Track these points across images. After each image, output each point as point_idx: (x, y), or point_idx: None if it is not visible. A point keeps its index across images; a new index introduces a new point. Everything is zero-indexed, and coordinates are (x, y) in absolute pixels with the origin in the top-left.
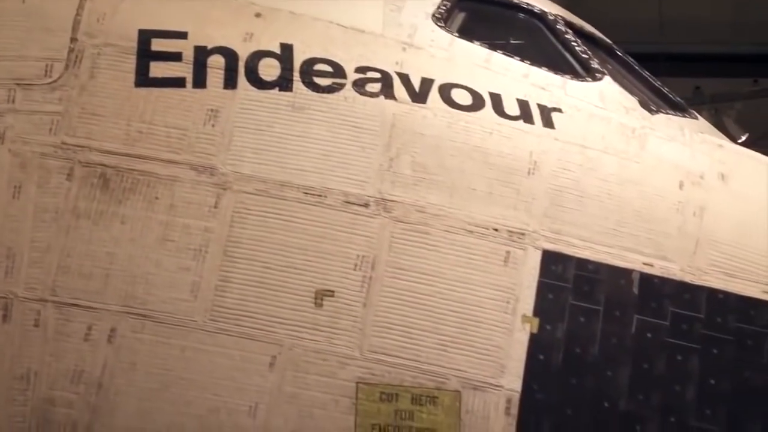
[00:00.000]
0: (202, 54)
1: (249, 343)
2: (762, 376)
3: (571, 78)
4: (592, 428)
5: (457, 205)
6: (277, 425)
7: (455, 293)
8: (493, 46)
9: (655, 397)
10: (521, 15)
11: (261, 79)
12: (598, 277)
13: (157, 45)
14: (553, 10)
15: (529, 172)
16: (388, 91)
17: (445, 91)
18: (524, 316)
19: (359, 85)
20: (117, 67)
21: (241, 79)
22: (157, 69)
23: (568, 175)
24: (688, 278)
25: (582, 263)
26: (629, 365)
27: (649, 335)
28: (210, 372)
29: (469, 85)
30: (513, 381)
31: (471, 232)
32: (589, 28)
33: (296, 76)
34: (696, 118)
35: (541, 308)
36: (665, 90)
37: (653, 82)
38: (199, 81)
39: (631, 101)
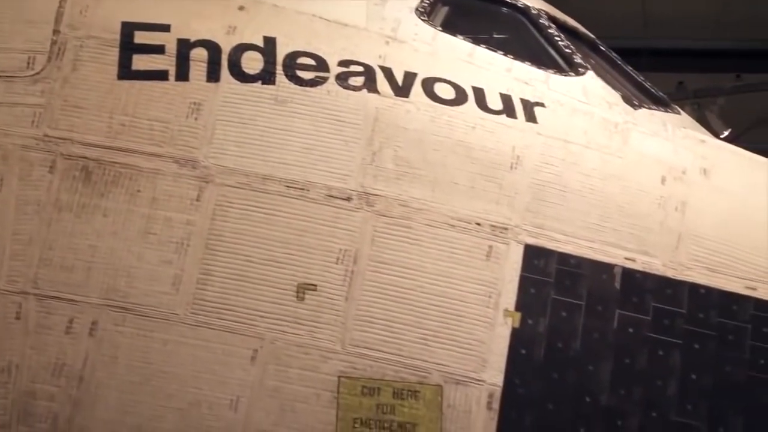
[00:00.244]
0: (185, 47)
1: (231, 337)
2: (743, 372)
3: (554, 73)
4: (573, 423)
5: (439, 199)
6: (259, 419)
7: (437, 287)
8: (476, 41)
9: (637, 391)
10: (505, 9)
11: (244, 72)
12: (580, 272)
13: (140, 37)
14: (537, 4)
15: (511, 167)
16: (371, 84)
17: (428, 85)
18: (506, 311)
19: (342, 79)
20: (100, 59)
21: (224, 72)
22: (140, 61)
23: (550, 170)
24: (670, 273)
25: (564, 258)
26: (611, 360)
27: (630, 330)
28: (191, 365)
29: (453, 80)
30: (495, 375)
31: (453, 226)
32: (572, 22)
33: (279, 69)
34: (679, 113)
35: (523, 303)
36: (648, 85)
37: (636, 77)
38: (182, 74)
39: (614, 96)
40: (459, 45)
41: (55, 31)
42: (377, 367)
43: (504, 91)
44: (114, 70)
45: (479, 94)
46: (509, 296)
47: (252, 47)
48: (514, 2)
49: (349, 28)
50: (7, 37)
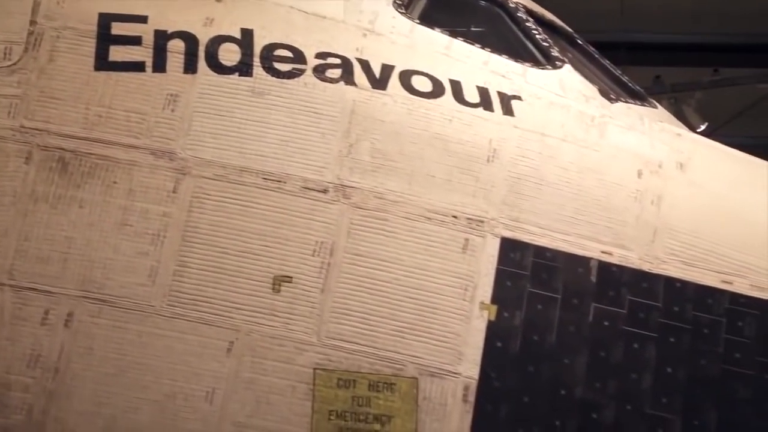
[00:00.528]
0: (162, 38)
1: (206, 329)
2: (718, 365)
3: (532, 66)
4: (549, 416)
5: (416, 192)
6: (234, 411)
7: (413, 280)
8: (453, 34)
9: (612, 384)
10: (482, 2)
11: (221, 64)
12: (556, 265)
13: (117, 29)
14: None
15: (488, 160)
16: (348, 77)
17: (406, 77)
18: (482, 304)
19: (319, 71)
20: (76, 50)
21: (201, 63)
22: (117, 53)
23: (527, 163)
24: (645, 267)
25: (540, 251)
26: (586, 353)
27: (606, 323)
28: (167, 357)
29: (430, 72)
30: (470, 368)
31: (430, 219)
32: (550, 16)
33: (256, 61)
34: (655, 107)
35: (499, 296)
36: (625, 79)
37: (613, 70)
38: (159, 65)
39: (591, 90)
40: (436, 38)
41: (32, 22)
42: (353, 359)
43: (481, 84)
44: (91, 61)
45: (456, 87)
46: (485, 289)
47: (229, 39)
48: None
49: (326, 21)
50: None
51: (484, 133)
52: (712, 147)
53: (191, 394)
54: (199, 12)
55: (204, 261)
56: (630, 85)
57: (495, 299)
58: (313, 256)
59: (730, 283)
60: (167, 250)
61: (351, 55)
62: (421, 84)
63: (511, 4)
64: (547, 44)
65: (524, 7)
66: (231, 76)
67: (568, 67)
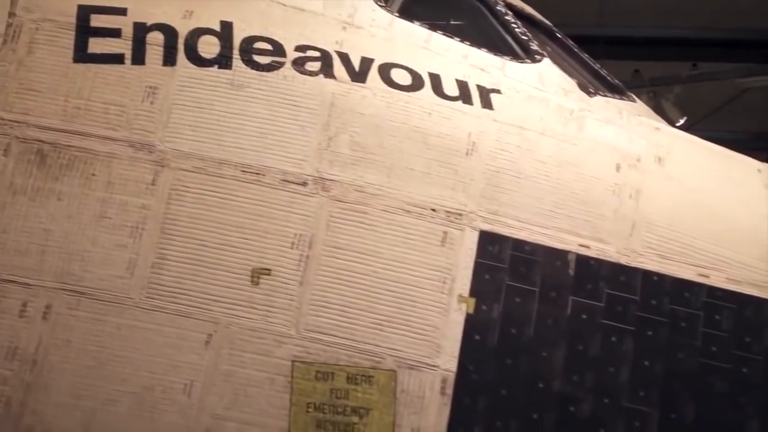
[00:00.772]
0: (141, 30)
1: (185, 321)
2: (695, 358)
3: (511, 59)
4: (526, 408)
5: (395, 184)
6: (212, 403)
7: (392, 273)
8: (433, 27)
9: (590, 378)
10: None
11: (200, 56)
12: (534, 258)
13: (96, 21)
14: None
15: (467, 153)
16: (327, 70)
17: (385, 70)
18: (461, 296)
19: (299, 64)
20: (55, 42)
21: (181, 56)
22: (96, 45)
23: (506, 157)
24: (623, 260)
25: (519, 244)
26: (564, 346)
27: (584, 316)
28: (145, 349)
29: (409, 65)
30: (448, 361)
31: (409, 212)
32: (529, 10)
33: (236, 54)
34: (634, 101)
35: (477, 289)
36: (604, 72)
37: (592, 64)
38: (138, 58)
39: (570, 83)
40: (416, 31)
41: (11, 14)
42: (331, 351)
43: (460, 78)
44: (70, 53)
45: (436, 81)
46: (464, 282)
47: (209, 31)
48: None
49: (306, 14)
50: None
51: (464, 127)
52: (690, 141)
53: (169, 387)
54: (178, 4)
55: (183, 253)
56: (609, 79)
57: (473, 292)
58: (292, 248)
59: (707, 276)
60: (146, 242)
61: (330, 48)
62: (401, 77)
63: None
64: (527, 38)
65: (504, 0)
66: (210, 68)
67: (547, 60)
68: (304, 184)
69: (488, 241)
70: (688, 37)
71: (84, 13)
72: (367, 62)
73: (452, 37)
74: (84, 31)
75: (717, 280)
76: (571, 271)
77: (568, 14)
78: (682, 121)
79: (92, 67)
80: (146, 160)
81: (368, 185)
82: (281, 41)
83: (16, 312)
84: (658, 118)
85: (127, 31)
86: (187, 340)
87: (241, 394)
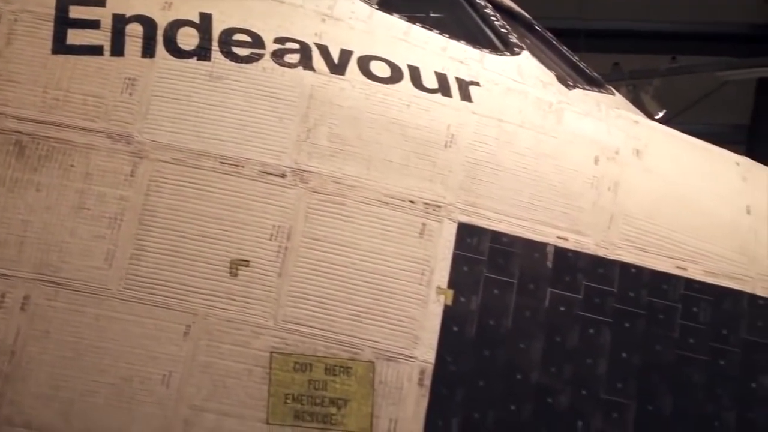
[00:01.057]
0: (120, 22)
1: (163, 312)
2: (673, 350)
3: (490, 52)
4: (504, 400)
5: (373, 176)
6: (190, 394)
7: (370, 264)
8: (412, 19)
9: (567, 369)
10: None
11: (179, 48)
12: (512, 251)
13: (75, 12)
14: None
15: (446, 145)
16: (306, 62)
17: (364, 63)
18: (439, 288)
19: (278, 56)
20: (34, 33)
21: (160, 47)
22: (75, 36)
23: (484, 149)
24: (601, 252)
25: (497, 236)
26: (542, 338)
27: (562, 309)
28: (124, 340)
29: (388, 58)
30: (426, 352)
31: (387, 203)
32: (508, 2)
33: (215, 45)
34: (613, 94)
35: (455, 280)
36: (583, 65)
37: (571, 57)
38: (117, 49)
39: (549, 76)
40: (395, 23)
41: None
42: (309, 343)
43: (439, 70)
44: (48, 44)
45: (415, 73)
46: (442, 274)
47: (188, 23)
48: None
49: (285, 6)
50: None
51: (442, 119)
52: (668, 134)
53: (148, 378)
54: None
55: (161, 245)
56: (588, 71)
57: (451, 284)
58: (270, 240)
59: (685, 269)
60: (124, 233)
61: (310, 40)
62: (380, 69)
63: None
64: (506, 30)
65: None
66: (189, 60)
67: (526, 53)
68: (283, 175)
69: (466, 233)
70: (668, 31)
71: (63, 4)
72: (346, 54)
73: (431, 30)
74: (63, 22)
75: (694, 273)
76: (549, 263)
77: (548, 7)
78: (661, 114)
79: (71, 58)
80: (125, 151)
81: (346, 177)
82: (260, 33)
83: None
84: (637, 110)
85: (106, 22)
86: (165, 331)
87: (220, 385)
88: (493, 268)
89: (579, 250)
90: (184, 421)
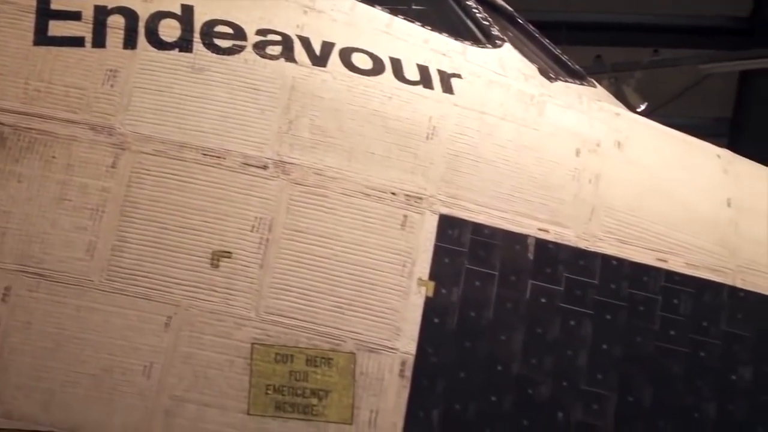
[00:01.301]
0: (101, 13)
1: (145, 303)
2: (653, 342)
3: (472, 44)
4: (485, 391)
5: (355, 168)
6: (172, 385)
7: (352, 256)
8: (394, 11)
9: (548, 361)
10: None
11: (161, 39)
12: (493, 242)
13: (57, 4)
14: None
15: (427, 137)
16: (288, 54)
17: (346, 55)
18: (420, 280)
19: (260, 48)
20: (16, 25)
21: (141, 39)
22: (57, 28)
23: (466, 141)
24: (582, 244)
25: (478, 228)
26: (523, 330)
27: (543, 300)
28: (105, 331)
29: (370, 50)
30: (408, 344)
31: (369, 195)
32: None
33: (197, 37)
34: (595, 86)
35: (437, 272)
36: (564, 58)
37: (553, 49)
38: (99, 41)
39: (531, 68)
40: (377, 15)
41: None
42: (291, 334)
43: (421, 62)
44: (30, 36)
45: (396, 65)
46: (423, 265)
47: (169, 15)
48: None
49: None
50: None
51: (424, 111)
52: (650, 127)
53: (129, 368)
54: None
55: (143, 236)
56: (569, 64)
57: (433, 276)
58: (252, 231)
59: (665, 261)
60: (106, 225)
61: (291, 32)
62: (362, 61)
63: None
64: (488, 23)
65: None
66: (171, 52)
67: (508, 46)
68: (265, 167)
69: (448, 225)
70: (650, 23)
71: None
72: (328, 46)
73: (413, 22)
74: (44, 13)
75: (675, 265)
76: (531, 255)
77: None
78: (642, 107)
79: (53, 49)
80: (106, 143)
81: (328, 168)
82: (242, 25)
83: None
84: (619, 103)
85: (88, 14)
86: (147, 322)
87: (201, 376)
88: (474, 259)
89: (560, 242)
90: (165, 411)
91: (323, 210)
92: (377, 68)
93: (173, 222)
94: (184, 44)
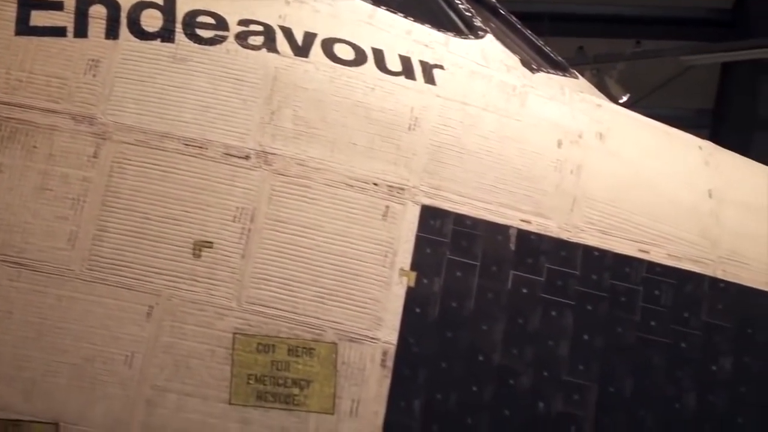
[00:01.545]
0: (83, 4)
1: (126, 293)
2: (634, 333)
3: (454, 35)
4: (466, 381)
5: (337, 159)
6: (153, 374)
7: (334, 246)
8: (377, 2)
9: (529, 351)
10: None
11: (143, 30)
12: (475, 233)
13: None
14: None
15: (409, 128)
16: (270, 44)
17: (328, 45)
18: (402, 270)
19: (242, 38)
20: None
21: (123, 29)
22: (38, 18)
23: (448, 132)
24: (564, 235)
25: (460, 219)
26: (504, 320)
27: (524, 291)
28: (86, 321)
29: (352, 41)
30: (389, 334)
31: (351, 186)
32: None
33: (179, 27)
34: (577, 78)
35: (418, 262)
36: (547, 49)
37: (535, 41)
38: (81, 31)
39: (513, 60)
40: (360, 6)
41: None
42: (273, 324)
43: (404, 53)
44: (12, 26)
45: (379, 56)
46: (405, 256)
47: (151, 5)
48: None
49: None
50: None
51: (406, 102)
52: (632, 118)
53: (110, 358)
54: None
55: (124, 226)
56: (552, 55)
57: (414, 266)
58: (233, 221)
59: (647, 252)
60: (87, 214)
61: (274, 23)
62: (344, 52)
63: None
64: (470, 14)
65: None
66: (153, 42)
67: (490, 37)
68: (247, 157)
69: (430, 216)
70: (632, 15)
71: None
72: (310, 37)
73: (396, 13)
74: (26, 3)
75: (657, 256)
76: (512, 246)
77: None
78: (625, 98)
79: (34, 39)
80: (88, 132)
81: (310, 159)
82: (224, 15)
83: None
84: (601, 95)
85: (70, 4)
86: (128, 312)
87: (182, 365)
88: (456, 250)
89: (542, 232)
90: (147, 401)
91: (305, 200)
92: (360, 59)
93: (155, 212)
94: (166, 34)
